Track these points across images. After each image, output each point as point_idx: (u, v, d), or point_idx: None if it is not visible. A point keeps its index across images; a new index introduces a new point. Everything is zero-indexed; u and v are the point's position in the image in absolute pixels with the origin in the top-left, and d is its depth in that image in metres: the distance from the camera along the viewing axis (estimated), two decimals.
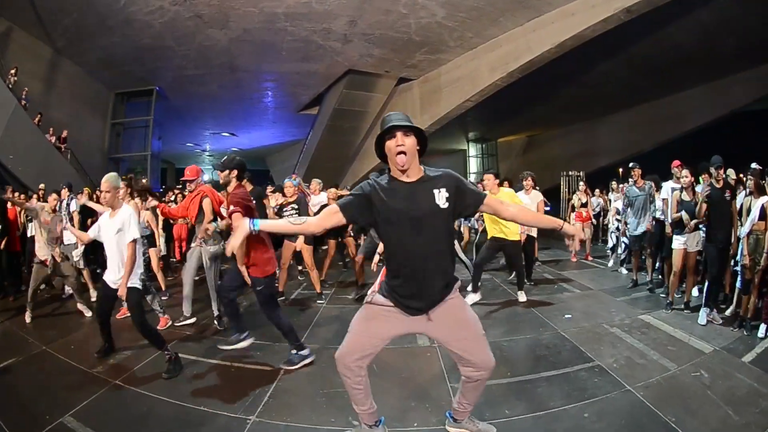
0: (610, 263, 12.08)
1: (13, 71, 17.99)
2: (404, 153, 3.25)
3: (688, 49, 19.27)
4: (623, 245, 11.34)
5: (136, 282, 5.70)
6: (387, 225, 3.39)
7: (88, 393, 5.07)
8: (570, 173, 20.66)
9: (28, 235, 10.27)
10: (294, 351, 5.85)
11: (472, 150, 40.93)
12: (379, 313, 3.58)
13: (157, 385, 5.35)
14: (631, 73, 22.51)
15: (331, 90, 25.37)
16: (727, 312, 7.67)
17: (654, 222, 9.33)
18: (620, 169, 15.98)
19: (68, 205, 10.52)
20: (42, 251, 8.07)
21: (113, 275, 5.76)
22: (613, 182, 13.58)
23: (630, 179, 9.90)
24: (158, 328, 6.99)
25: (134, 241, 5.66)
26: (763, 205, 6.73)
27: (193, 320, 7.56)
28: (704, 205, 7.24)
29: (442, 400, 4.82)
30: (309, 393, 5.18)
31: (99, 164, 22.78)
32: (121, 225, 5.67)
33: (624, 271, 11.03)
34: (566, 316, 7.93)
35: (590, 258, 13.23)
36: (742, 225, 7.18)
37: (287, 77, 24.11)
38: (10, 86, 17.54)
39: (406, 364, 5.95)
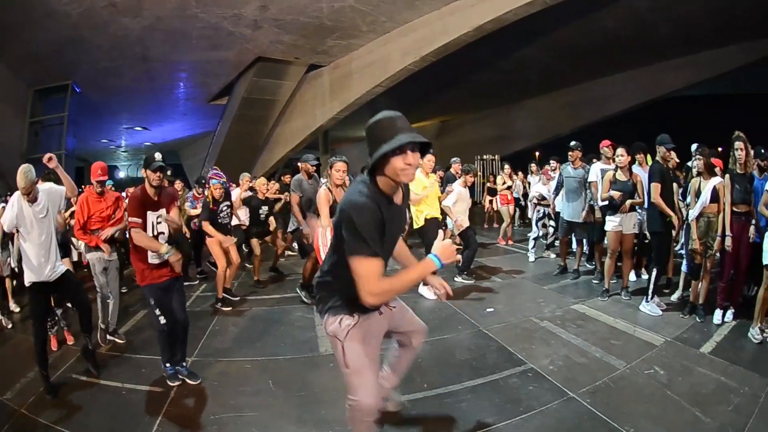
0: (531, 257, 11.25)
1: None
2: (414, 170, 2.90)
3: (618, 35, 19.41)
4: (551, 229, 11.14)
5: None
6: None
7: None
8: (485, 157, 20.70)
9: None
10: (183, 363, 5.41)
11: None
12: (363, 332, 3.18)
13: (54, 412, 4.72)
14: (552, 58, 22.58)
15: (240, 79, 24.86)
16: (673, 297, 7.52)
17: (592, 211, 8.89)
18: (537, 153, 16.02)
19: None
20: None
21: (45, 268, 5.27)
22: (533, 164, 13.50)
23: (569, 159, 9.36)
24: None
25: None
26: (714, 186, 6.55)
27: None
28: (658, 185, 6.93)
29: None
30: (197, 418, 4.57)
31: (16, 166, 21.63)
32: (45, 204, 5.34)
33: (552, 255, 10.79)
34: (488, 309, 7.43)
35: (512, 242, 13.09)
36: (689, 207, 7.02)
37: (198, 66, 23.53)
38: None
39: (305, 378, 5.31)
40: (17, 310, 8.34)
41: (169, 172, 5.25)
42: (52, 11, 16.72)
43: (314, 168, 8.42)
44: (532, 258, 11.16)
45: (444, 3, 17.42)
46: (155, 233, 5.09)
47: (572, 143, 9.23)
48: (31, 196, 5.26)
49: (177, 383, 5.19)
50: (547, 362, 5.42)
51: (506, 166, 14.49)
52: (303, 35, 20.10)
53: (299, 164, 8.53)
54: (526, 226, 15.39)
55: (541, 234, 11.63)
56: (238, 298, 8.38)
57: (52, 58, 20.69)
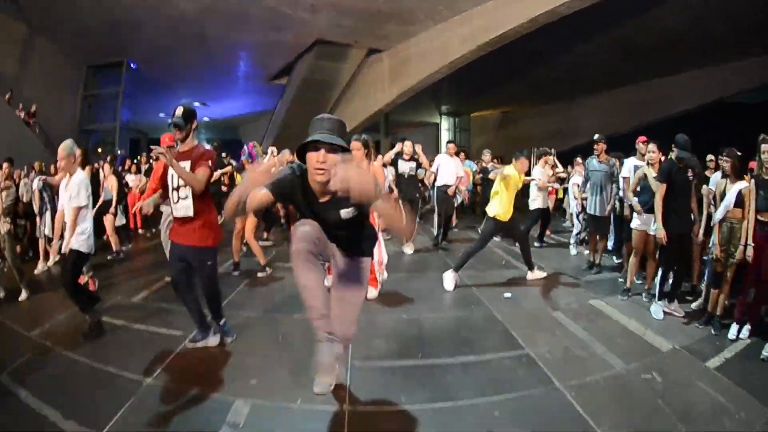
0: (573, 251, 11.01)
1: None
2: (324, 170, 3.02)
3: (675, 33, 18.94)
4: (582, 223, 10.94)
5: (82, 246, 5.77)
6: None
7: (23, 354, 5.27)
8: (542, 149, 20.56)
9: None
10: (220, 324, 5.57)
11: (445, 124, 40.20)
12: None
13: (77, 347, 5.43)
14: (612, 56, 22.17)
15: (300, 60, 25.18)
16: (693, 305, 7.02)
17: (621, 208, 8.84)
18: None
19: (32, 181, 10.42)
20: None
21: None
22: (578, 157, 13.35)
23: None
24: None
25: (78, 207, 5.75)
26: (740, 190, 6.08)
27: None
28: (664, 186, 6.56)
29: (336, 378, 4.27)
30: (204, 362, 5.08)
31: (70, 137, 22.58)
32: (73, 191, 5.76)
33: (586, 251, 10.34)
34: (505, 295, 7.40)
35: (550, 233, 12.84)
36: (715, 210, 6.61)
37: (257, 47, 23.96)
38: None
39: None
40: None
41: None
42: None
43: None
44: (573, 251, 10.95)
45: None
46: (176, 185, 5.15)
47: (596, 136, 9.08)
48: (65, 168, 5.77)
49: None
50: (545, 350, 5.35)
51: (549, 157, 14.36)
52: (361, 19, 20.27)
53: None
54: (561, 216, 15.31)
55: (580, 228, 11.36)
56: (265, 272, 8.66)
57: (105, 36, 21.58)
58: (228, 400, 4.22)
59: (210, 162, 5.12)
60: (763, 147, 5.87)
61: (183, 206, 5.09)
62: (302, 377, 4.43)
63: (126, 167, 14.26)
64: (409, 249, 10.37)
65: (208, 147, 5.52)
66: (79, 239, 5.75)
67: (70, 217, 5.71)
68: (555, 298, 7.38)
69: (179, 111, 5.11)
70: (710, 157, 8.34)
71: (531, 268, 8.40)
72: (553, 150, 14.79)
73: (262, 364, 4.98)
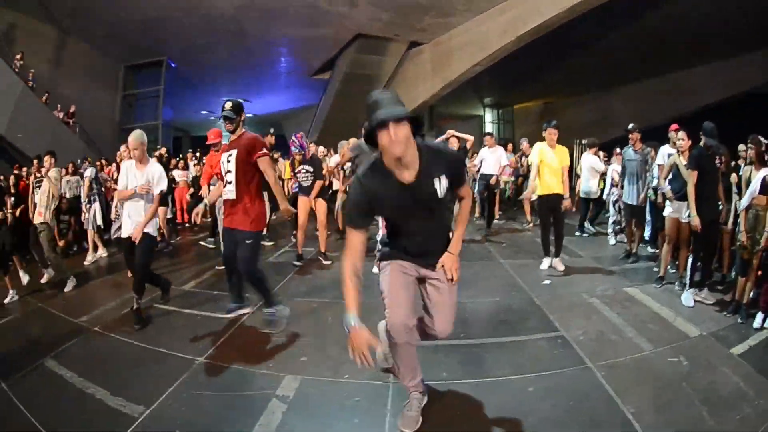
0: (612, 240, 10.79)
1: (18, 56, 19.00)
2: (400, 142, 2.95)
3: (698, 22, 18.86)
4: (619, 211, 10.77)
5: (151, 230, 6.16)
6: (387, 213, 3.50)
7: (69, 339, 5.59)
8: (583, 141, 20.48)
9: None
10: (270, 309, 5.83)
11: (489, 116, 40.18)
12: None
13: (126, 331, 5.80)
14: (643, 45, 22.10)
15: (342, 54, 25.43)
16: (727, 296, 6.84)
17: (653, 192, 8.77)
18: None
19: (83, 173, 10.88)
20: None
21: (131, 226, 6.16)
22: (617, 148, 13.26)
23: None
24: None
25: (162, 193, 6.29)
26: (765, 177, 6.01)
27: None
28: (695, 173, 6.49)
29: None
30: (255, 342, 5.41)
31: (110, 135, 23.66)
32: (151, 178, 6.14)
33: (624, 240, 10.14)
34: (545, 282, 7.56)
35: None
36: (740, 198, 6.54)
37: (297, 42, 24.26)
38: (16, 70, 18.57)
39: (360, 318, 5.77)
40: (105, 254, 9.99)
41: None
42: None
43: None
44: (612, 241, 10.82)
45: None
46: (225, 170, 5.57)
47: (630, 126, 9.02)
48: (139, 156, 6.14)
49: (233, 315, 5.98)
50: (579, 333, 5.47)
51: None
52: (400, 13, 20.47)
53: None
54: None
55: (617, 217, 11.17)
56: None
57: (141, 36, 22.07)
58: (278, 375, 4.46)
59: (264, 149, 5.55)
60: None
61: (229, 189, 5.50)
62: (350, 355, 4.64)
63: (171, 164, 14.58)
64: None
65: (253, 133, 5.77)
66: (152, 224, 6.14)
67: (154, 203, 6.13)
68: (592, 285, 7.41)
69: (228, 105, 5.50)
70: (742, 147, 8.28)
71: (557, 254, 8.43)
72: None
73: (312, 344, 5.27)
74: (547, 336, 5.43)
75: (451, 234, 3.63)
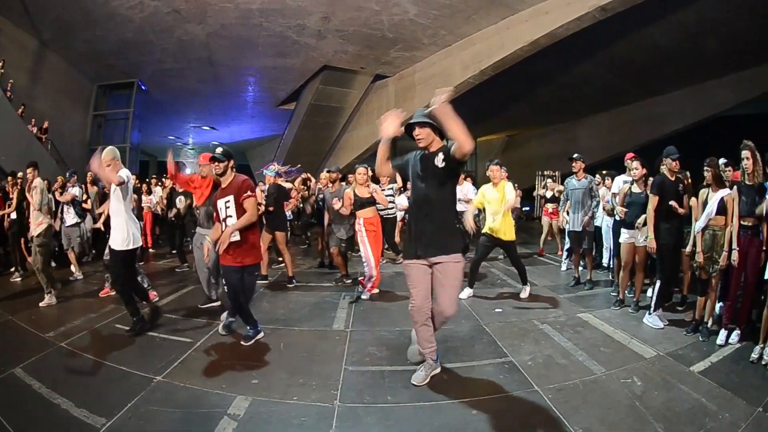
0: (563, 266, 11.22)
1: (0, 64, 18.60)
2: (422, 138, 4.97)
3: (668, 50, 19.25)
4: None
5: (119, 246, 6.45)
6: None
7: (38, 352, 5.82)
8: (546, 173, 20.84)
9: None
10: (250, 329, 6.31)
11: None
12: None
13: (92, 348, 6.07)
14: (611, 75, 22.54)
15: (308, 85, 25.51)
16: (686, 316, 7.12)
17: (593, 218, 9.17)
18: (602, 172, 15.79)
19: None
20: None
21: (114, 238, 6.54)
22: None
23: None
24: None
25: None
26: (722, 198, 6.22)
27: (218, 303, 7.72)
28: (656, 198, 6.82)
29: (330, 380, 5.03)
30: (210, 364, 5.58)
31: (79, 155, 23.05)
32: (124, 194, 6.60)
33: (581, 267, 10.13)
34: (497, 309, 7.68)
35: (543, 253, 13.22)
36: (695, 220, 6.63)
37: (264, 72, 24.36)
38: None
39: (312, 345, 6.16)
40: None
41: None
42: (114, 14, 17.89)
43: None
44: (563, 268, 11.10)
45: (500, 17, 17.78)
46: (223, 216, 6.00)
47: (574, 155, 9.32)
48: (113, 170, 6.49)
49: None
50: (528, 358, 5.59)
51: (549, 181, 14.68)
52: (366, 46, 20.71)
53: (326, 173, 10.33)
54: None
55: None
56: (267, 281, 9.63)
57: (115, 57, 22.00)
58: (229, 395, 4.63)
59: (250, 191, 5.98)
60: (744, 153, 6.06)
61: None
62: (299, 378, 5.04)
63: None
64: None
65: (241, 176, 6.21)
66: (121, 239, 6.43)
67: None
68: (544, 312, 7.60)
69: (219, 150, 6.11)
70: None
71: (524, 282, 8.63)
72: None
73: (264, 368, 5.46)
74: (494, 362, 5.54)
75: (451, 234, 4.87)
